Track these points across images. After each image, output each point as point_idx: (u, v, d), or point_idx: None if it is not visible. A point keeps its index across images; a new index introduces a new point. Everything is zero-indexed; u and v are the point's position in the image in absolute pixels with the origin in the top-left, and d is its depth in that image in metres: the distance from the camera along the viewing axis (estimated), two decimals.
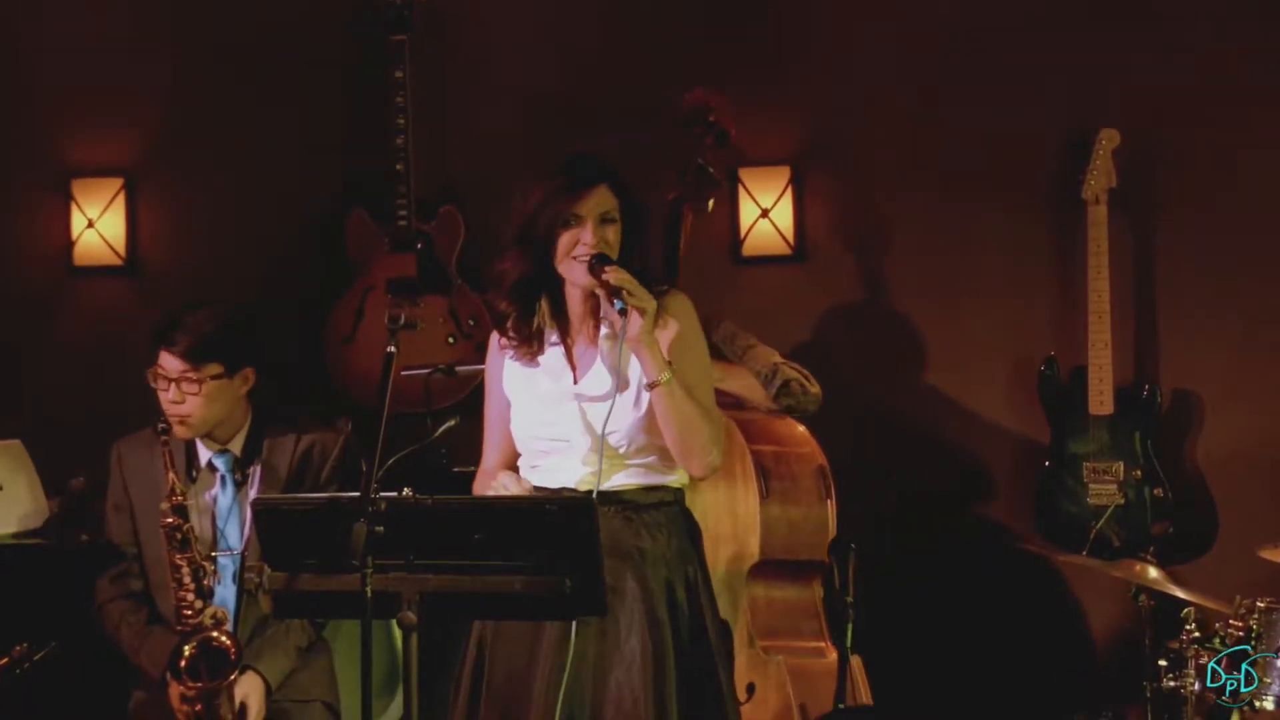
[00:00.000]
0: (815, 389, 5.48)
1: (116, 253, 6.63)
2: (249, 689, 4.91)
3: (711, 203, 5.75)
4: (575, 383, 4.29)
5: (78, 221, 6.63)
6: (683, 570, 4.31)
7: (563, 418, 4.27)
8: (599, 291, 4.20)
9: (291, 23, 6.58)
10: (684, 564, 4.32)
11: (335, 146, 6.58)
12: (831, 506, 5.35)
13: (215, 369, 4.91)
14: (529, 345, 4.31)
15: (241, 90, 6.61)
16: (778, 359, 5.51)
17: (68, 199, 6.64)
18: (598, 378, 4.27)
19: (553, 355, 4.31)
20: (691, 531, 4.40)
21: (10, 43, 6.68)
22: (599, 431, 4.23)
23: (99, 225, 6.61)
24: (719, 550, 5.21)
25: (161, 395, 4.95)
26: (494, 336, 4.42)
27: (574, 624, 4.15)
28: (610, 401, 4.22)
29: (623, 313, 4.13)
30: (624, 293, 4.13)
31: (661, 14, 6.45)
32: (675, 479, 4.33)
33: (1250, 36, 6.17)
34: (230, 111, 6.61)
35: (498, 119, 6.53)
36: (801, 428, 5.47)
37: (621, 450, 4.26)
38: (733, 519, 5.24)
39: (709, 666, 4.29)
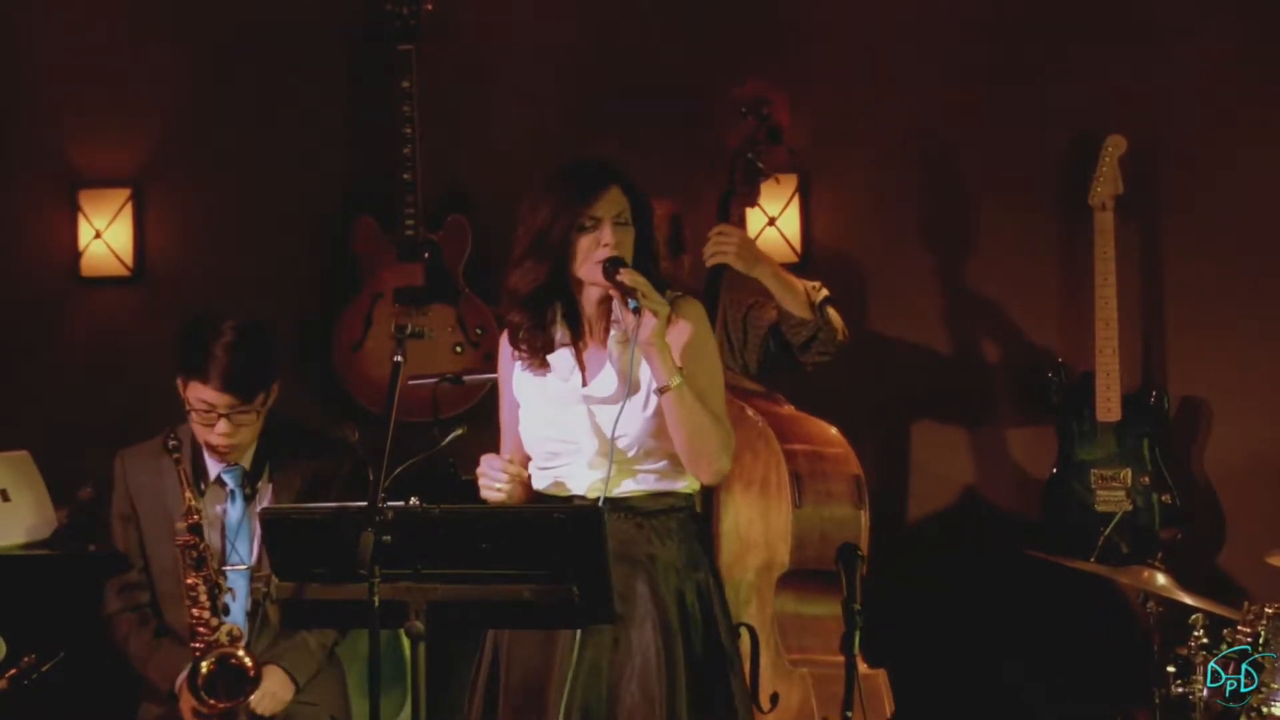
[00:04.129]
0: (845, 332, 5.43)
1: (124, 263, 6.64)
2: (276, 684, 4.90)
3: (757, 200, 5.69)
4: (584, 384, 4.29)
5: (85, 232, 6.63)
6: (694, 577, 4.30)
7: (570, 420, 4.27)
8: (613, 294, 4.20)
9: (298, 33, 6.59)
10: (695, 570, 4.31)
11: (342, 155, 6.59)
12: (865, 516, 5.29)
13: (261, 397, 4.92)
14: (540, 353, 4.31)
15: (248, 100, 6.62)
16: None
17: (74, 209, 6.64)
18: (607, 381, 4.27)
19: (562, 356, 4.31)
20: (703, 537, 4.40)
21: (16, 53, 6.69)
22: (607, 435, 4.23)
23: (106, 236, 6.62)
24: (749, 557, 5.18)
25: (202, 426, 4.90)
26: (504, 338, 4.41)
27: (579, 632, 4.16)
28: (620, 404, 4.21)
29: (636, 313, 4.13)
30: (638, 294, 4.13)
31: (666, 21, 6.45)
32: (685, 485, 4.32)
33: (1256, 43, 6.17)
34: (237, 121, 6.61)
35: (505, 127, 6.53)
36: (834, 430, 5.41)
37: (631, 455, 4.26)
38: (765, 526, 5.20)
39: (721, 674, 4.29)
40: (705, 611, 4.30)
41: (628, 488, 4.28)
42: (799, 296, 5.30)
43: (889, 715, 5.17)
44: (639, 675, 4.18)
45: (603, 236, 4.21)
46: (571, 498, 4.28)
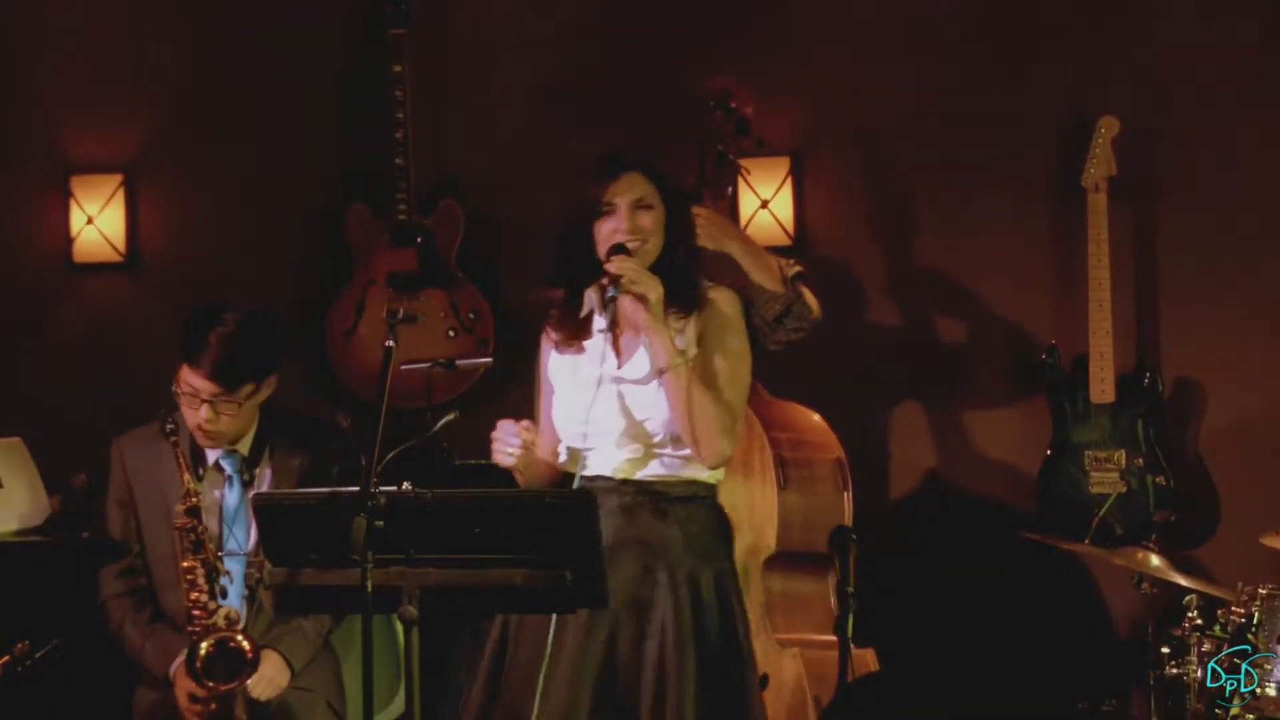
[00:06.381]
0: (817, 312, 5.44)
1: (116, 249, 6.63)
2: (273, 669, 4.89)
3: (730, 190, 5.76)
4: (619, 368, 4.32)
5: (77, 218, 6.63)
6: (711, 564, 4.32)
7: (601, 402, 4.29)
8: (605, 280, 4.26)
9: (290, 17, 6.58)
10: (713, 559, 4.34)
11: (335, 140, 6.58)
12: (848, 499, 5.35)
13: (249, 389, 4.90)
14: (575, 335, 4.36)
15: (241, 85, 6.61)
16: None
17: (67, 195, 6.63)
18: (639, 364, 4.31)
19: (597, 341, 4.34)
20: (723, 528, 4.42)
21: (9, 38, 6.68)
22: (636, 417, 4.27)
23: (98, 222, 6.61)
24: (735, 540, 5.19)
25: (188, 410, 4.89)
26: (546, 326, 4.47)
27: (590, 614, 4.17)
28: (648, 386, 4.26)
29: (612, 300, 4.19)
30: (622, 280, 4.18)
31: (661, 4, 6.44)
32: (710, 474, 4.35)
33: (1249, 24, 6.16)
34: (229, 106, 6.61)
35: (497, 112, 6.53)
36: (817, 417, 5.46)
37: (657, 439, 4.29)
38: (750, 509, 5.23)
39: (736, 664, 4.29)
40: (722, 601, 4.30)
41: (653, 470, 4.31)
42: (770, 270, 5.29)
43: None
44: (655, 657, 4.20)
45: (617, 222, 4.26)
46: (597, 477, 4.30)
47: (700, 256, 4.48)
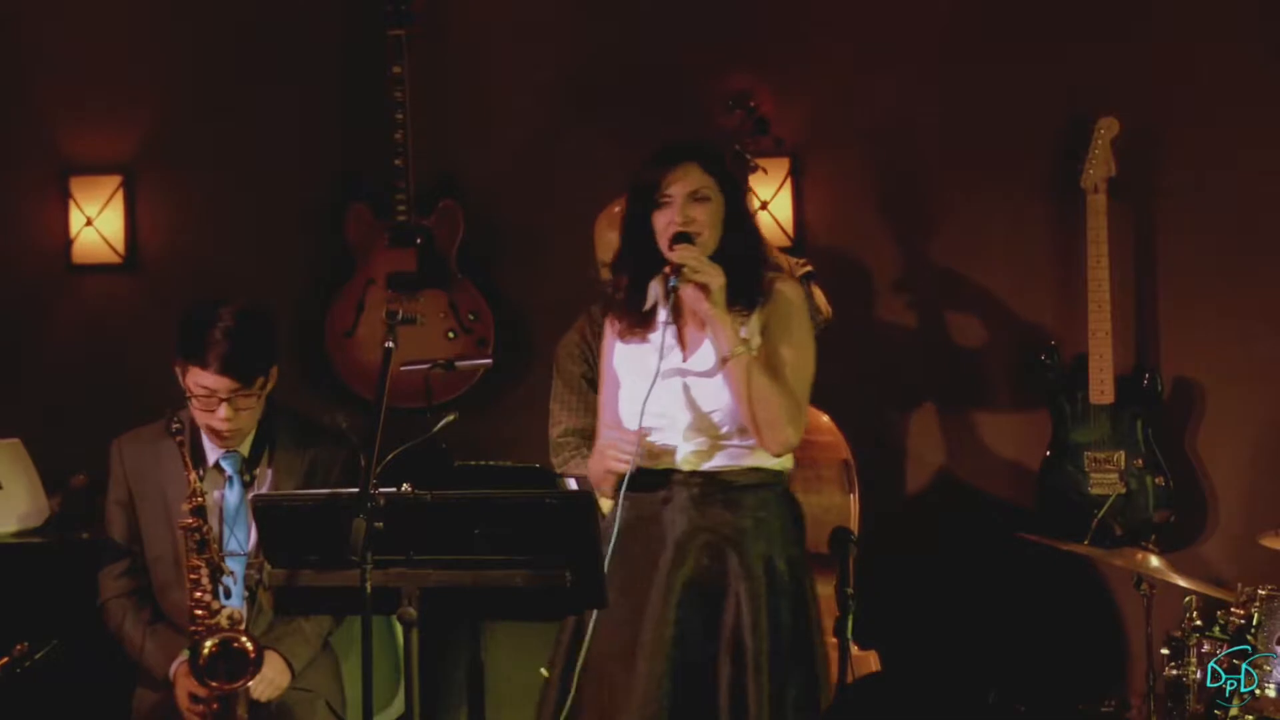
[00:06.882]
0: (828, 311, 5.47)
1: (115, 250, 6.62)
2: (273, 670, 4.89)
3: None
4: (684, 360, 4.35)
5: (76, 219, 6.62)
6: (785, 550, 4.35)
7: (666, 393, 4.32)
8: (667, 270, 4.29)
9: (290, 17, 6.57)
10: (786, 544, 4.36)
11: (334, 141, 6.58)
12: (854, 500, 5.34)
13: (261, 380, 4.90)
14: (637, 325, 4.38)
15: (240, 85, 6.60)
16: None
17: (66, 196, 6.63)
18: (705, 357, 4.34)
19: (662, 332, 4.35)
20: (795, 514, 4.44)
21: (8, 39, 6.67)
22: (703, 409, 4.31)
23: (97, 223, 6.61)
24: None
25: (203, 412, 4.86)
26: (609, 319, 4.50)
27: (667, 605, 4.20)
28: (714, 378, 4.29)
29: (674, 290, 4.24)
30: (684, 270, 4.22)
31: (659, 5, 6.44)
32: (776, 461, 4.38)
33: (1250, 24, 6.16)
34: (229, 107, 6.60)
35: (497, 112, 6.52)
36: (826, 417, 5.46)
37: (724, 430, 4.32)
38: None
39: (807, 644, 4.32)
40: (796, 585, 4.33)
41: (720, 462, 4.34)
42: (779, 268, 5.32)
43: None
44: (729, 645, 4.22)
45: (672, 214, 4.30)
46: (666, 470, 4.32)
47: (764, 248, 4.51)
